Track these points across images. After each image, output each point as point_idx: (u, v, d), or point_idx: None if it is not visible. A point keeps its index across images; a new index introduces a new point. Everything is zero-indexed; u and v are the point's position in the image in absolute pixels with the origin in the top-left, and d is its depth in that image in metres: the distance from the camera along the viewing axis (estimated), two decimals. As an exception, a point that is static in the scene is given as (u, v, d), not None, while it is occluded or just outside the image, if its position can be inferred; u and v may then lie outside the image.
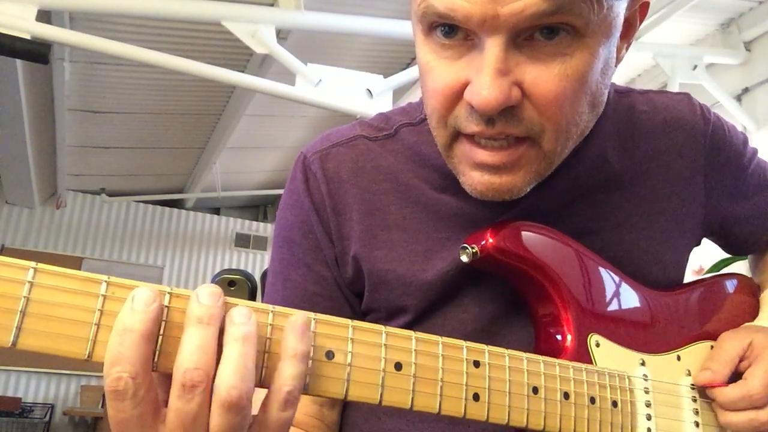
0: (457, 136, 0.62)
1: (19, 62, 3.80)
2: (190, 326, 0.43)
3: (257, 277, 2.79)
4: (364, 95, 3.61)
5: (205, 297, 0.44)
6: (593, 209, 0.72)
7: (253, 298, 2.58)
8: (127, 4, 3.15)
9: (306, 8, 3.40)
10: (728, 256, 1.18)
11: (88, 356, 0.42)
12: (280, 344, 0.46)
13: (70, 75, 4.47)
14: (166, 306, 0.45)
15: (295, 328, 0.46)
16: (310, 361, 0.48)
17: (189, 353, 0.42)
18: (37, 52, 2.90)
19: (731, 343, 0.71)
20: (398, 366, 0.51)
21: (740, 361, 0.70)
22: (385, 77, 3.70)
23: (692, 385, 0.70)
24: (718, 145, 0.77)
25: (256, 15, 3.30)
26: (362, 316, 0.74)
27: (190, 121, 5.66)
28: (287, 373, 0.45)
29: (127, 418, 0.42)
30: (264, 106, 5.10)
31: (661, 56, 3.97)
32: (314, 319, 0.49)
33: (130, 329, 0.42)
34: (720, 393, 0.68)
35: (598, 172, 0.72)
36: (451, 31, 0.57)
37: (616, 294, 0.70)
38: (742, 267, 0.94)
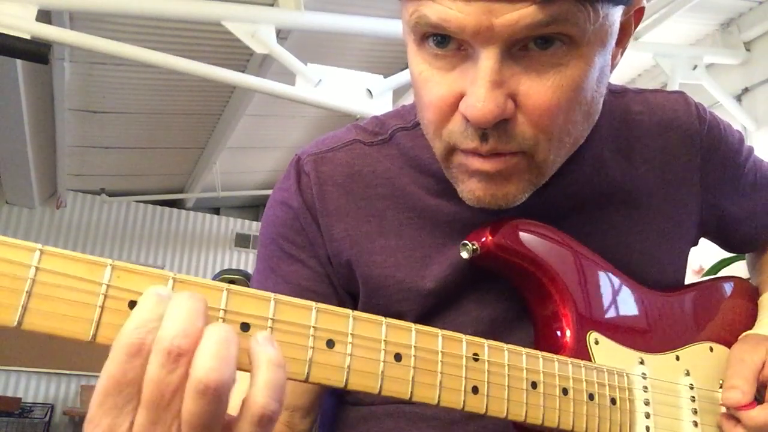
0: (453, 149, 0.62)
1: (19, 62, 3.79)
2: (177, 297, 0.41)
3: (257, 277, 2.79)
4: (364, 95, 3.61)
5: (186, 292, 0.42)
6: (590, 213, 0.72)
7: (253, 297, 2.57)
8: (127, 4, 3.14)
9: (306, 8, 3.40)
10: (729, 255, 1.18)
11: (92, 337, 0.42)
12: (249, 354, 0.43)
13: (70, 75, 4.46)
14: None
15: (260, 339, 0.43)
16: (311, 350, 0.48)
17: (180, 320, 0.40)
18: (37, 52, 2.89)
19: (752, 357, 0.70)
20: (398, 357, 0.52)
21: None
22: (385, 77, 3.69)
23: (691, 384, 0.70)
24: (714, 144, 0.77)
25: (256, 15, 3.30)
26: None
27: (190, 121, 5.65)
28: (261, 382, 0.41)
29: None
30: (264, 106, 5.10)
31: (661, 56, 3.97)
32: (315, 308, 0.49)
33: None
34: (747, 416, 0.66)
35: (595, 176, 0.72)
36: (444, 41, 0.56)
37: (616, 293, 0.70)
38: (742, 267, 0.94)
